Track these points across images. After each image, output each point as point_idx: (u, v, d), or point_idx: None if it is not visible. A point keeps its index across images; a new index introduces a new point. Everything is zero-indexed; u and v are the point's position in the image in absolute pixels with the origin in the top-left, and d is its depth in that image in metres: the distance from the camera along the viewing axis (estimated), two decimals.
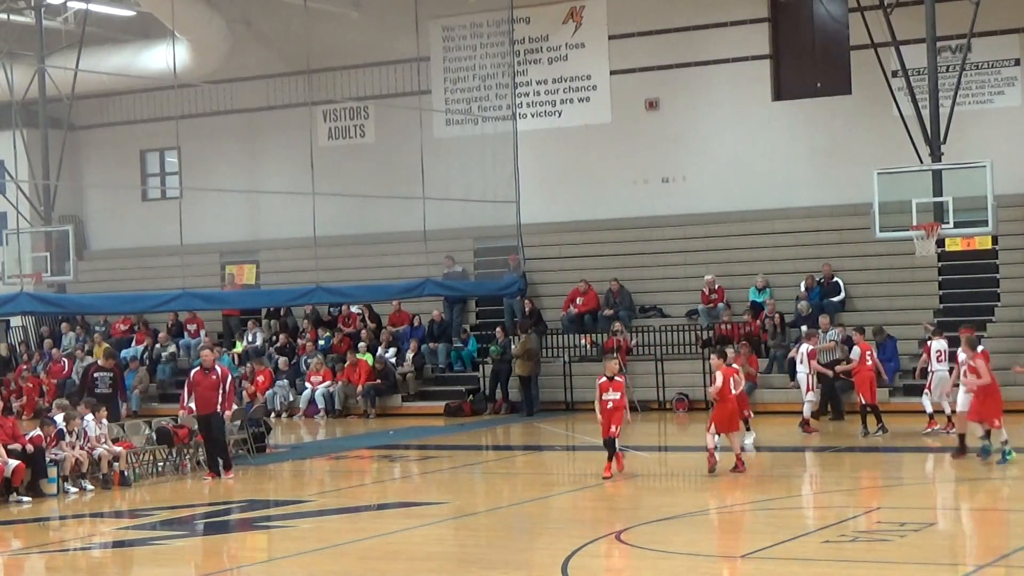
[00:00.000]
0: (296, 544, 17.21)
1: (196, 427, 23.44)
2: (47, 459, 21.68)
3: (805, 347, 26.73)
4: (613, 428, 20.89)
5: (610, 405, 21.02)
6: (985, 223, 27.08)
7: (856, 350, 25.82)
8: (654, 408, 31.45)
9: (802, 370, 26.52)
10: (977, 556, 14.85)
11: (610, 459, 21.02)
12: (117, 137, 41.39)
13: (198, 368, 23.21)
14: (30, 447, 21.40)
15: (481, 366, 33.73)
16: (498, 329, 33.40)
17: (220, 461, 23.00)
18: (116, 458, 22.47)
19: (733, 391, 21.18)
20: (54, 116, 38.29)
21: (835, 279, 32.18)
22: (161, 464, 23.89)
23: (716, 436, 20.97)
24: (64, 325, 39.27)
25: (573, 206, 35.76)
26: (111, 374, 26.06)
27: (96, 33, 37.91)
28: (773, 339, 31.44)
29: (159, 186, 41.99)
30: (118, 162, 41.37)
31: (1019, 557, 14.77)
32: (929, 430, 24.97)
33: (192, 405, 23.04)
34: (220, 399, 22.75)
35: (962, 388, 21.59)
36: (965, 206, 27.12)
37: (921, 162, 28.70)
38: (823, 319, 29.91)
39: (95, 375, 26.17)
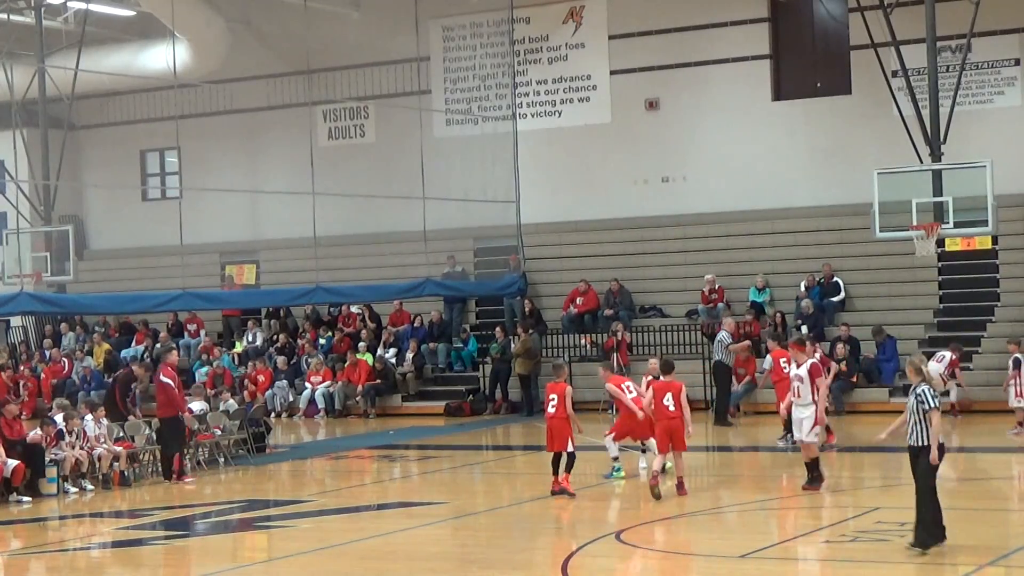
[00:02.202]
0: (296, 544, 17.22)
1: (178, 428, 23.28)
2: (47, 459, 21.70)
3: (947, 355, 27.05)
4: (554, 443, 19.55)
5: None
6: (985, 223, 27.07)
7: (768, 359, 25.21)
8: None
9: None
10: (977, 556, 14.84)
11: (555, 473, 19.62)
12: (117, 137, 41.38)
13: (170, 369, 23.07)
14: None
15: (481, 366, 33.73)
16: (498, 329, 33.40)
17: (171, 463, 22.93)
18: (116, 458, 22.49)
19: (671, 408, 19.33)
20: (54, 116, 38.25)
21: (835, 279, 32.19)
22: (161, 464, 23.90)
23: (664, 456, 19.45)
24: (64, 325, 39.25)
25: (573, 206, 35.75)
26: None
27: (96, 33, 37.90)
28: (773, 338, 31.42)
29: (159, 186, 41.99)
30: (118, 162, 41.35)
31: (1019, 557, 14.79)
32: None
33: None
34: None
35: (795, 408, 19.86)
36: (965, 206, 27.11)
37: (921, 162, 28.69)
38: (729, 322, 29.61)
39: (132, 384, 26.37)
